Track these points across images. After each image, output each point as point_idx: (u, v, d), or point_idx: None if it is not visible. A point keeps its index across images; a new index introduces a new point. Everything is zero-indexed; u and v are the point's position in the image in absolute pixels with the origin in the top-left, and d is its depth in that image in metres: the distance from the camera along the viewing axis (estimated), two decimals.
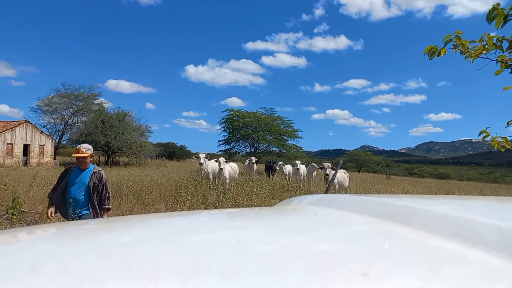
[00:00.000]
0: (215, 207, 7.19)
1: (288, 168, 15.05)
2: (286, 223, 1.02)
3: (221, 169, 10.17)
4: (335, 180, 9.40)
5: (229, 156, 27.26)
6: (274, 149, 27.13)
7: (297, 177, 14.57)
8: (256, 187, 9.73)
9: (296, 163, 14.47)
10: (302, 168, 14.56)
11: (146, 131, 33.49)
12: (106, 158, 31.88)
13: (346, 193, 10.42)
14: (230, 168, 10.87)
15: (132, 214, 6.89)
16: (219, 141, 28.14)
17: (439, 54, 2.37)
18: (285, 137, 27.17)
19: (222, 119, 27.60)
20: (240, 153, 28.72)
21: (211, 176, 11.06)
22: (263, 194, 8.56)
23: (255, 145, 27.06)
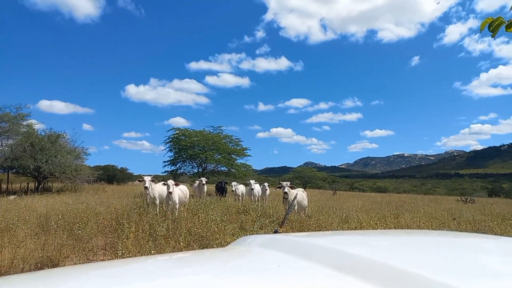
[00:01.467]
0: (166, 240, 6.09)
1: (241, 188, 14.16)
2: (236, 269, 1.02)
3: (170, 193, 9.01)
4: (295, 201, 8.72)
5: (175, 177, 25.80)
6: (222, 168, 26.18)
7: (252, 197, 13.74)
8: (210, 212, 8.75)
9: (250, 183, 13.65)
10: (257, 188, 13.81)
11: (82, 153, 30.77)
12: (36, 184, 28.68)
13: (305, 212, 9.80)
14: (180, 192, 9.75)
15: (61, 253, 5.59)
16: (164, 162, 26.60)
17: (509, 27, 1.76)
18: (233, 156, 26.37)
19: (168, 138, 26.18)
20: (187, 174, 27.33)
21: (158, 202, 9.86)
22: (220, 220, 7.60)
23: (203, 165, 25.90)
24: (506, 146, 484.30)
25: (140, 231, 6.52)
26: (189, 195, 11.48)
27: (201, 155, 24.20)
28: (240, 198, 13.93)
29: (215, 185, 16.37)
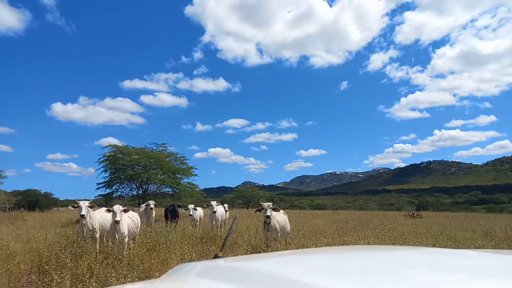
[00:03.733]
0: None
1: (199, 212, 12.03)
2: None
3: (117, 223, 6.79)
4: (277, 226, 7.11)
5: (106, 202, 22.61)
6: (166, 189, 23.63)
7: (214, 222, 11.55)
8: (172, 245, 6.75)
9: (211, 205, 11.61)
10: (220, 211, 11.83)
11: None
12: None
13: (287, 239, 8.16)
14: (130, 221, 7.49)
15: None
16: (98, 183, 23.27)
17: None
18: (178, 176, 23.95)
19: (103, 156, 23.00)
20: (124, 197, 24.20)
21: (98, 234, 7.55)
22: (188, 257, 5.67)
23: (144, 186, 23.15)
24: (425, 163, 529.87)
25: (79, 283, 4.36)
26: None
27: (142, 175, 21.51)
28: (198, 223, 11.84)
29: (164, 209, 13.98)
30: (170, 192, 23.64)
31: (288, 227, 7.95)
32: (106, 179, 22.90)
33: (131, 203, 22.32)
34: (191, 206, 11.70)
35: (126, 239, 6.97)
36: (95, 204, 7.74)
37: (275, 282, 0.96)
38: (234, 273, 1.14)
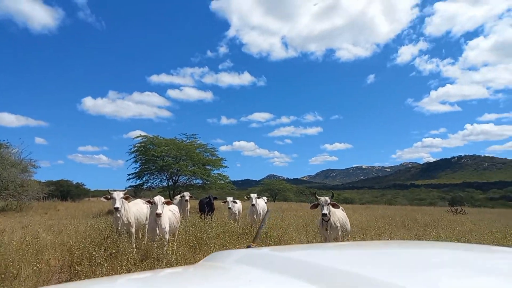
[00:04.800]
0: None
1: (238, 205, 11.21)
2: (205, 286, 0.96)
3: (158, 216, 6.07)
4: (338, 224, 6.20)
5: (135, 193, 22.27)
6: (197, 181, 23.08)
7: (254, 216, 10.55)
8: (211, 240, 5.99)
9: (251, 197, 10.68)
10: (262, 204, 10.92)
11: (29, 166, 26.49)
12: None
13: (348, 238, 7.19)
14: (171, 214, 6.79)
15: None
16: (129, 174, 22.97)
17: None
18: (208, 167, 23.35)
19: (133, 147, 22.67)
20: (154, 188, 23.85)
21: (134, 229, 6.90)
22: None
23: (174, 177, 22.68)
24: (456, 158, 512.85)
25: None
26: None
27: (173, 166, 21.02)
28: (237, 217, 11.06)
29: (198, 201, 13.27)
30: (200, 184, 23.09)
31: (349, 225, 7.02)
32: (137, 170, 22.59)
33: (161, 195, 21.93)
34: (230, 199, 10.92)
35: (167, 236, 6.24)
36: (130, 196, 7.05)
37: (315, 270, 0.95)
38: (269, 260, 1.14)
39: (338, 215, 6.32)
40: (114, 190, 6.75)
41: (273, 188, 60.77)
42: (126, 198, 6.83)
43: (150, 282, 1.05)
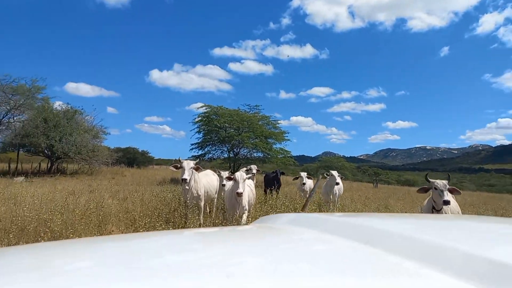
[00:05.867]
0: None
1: (310, 182, 10.31)
2: (262, 243, 1.01)
3: (239, 195, 5.29)
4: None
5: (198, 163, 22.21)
6: (257, 154, 22.48)
7: (332, 197, 9.87)
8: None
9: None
10: (308, 183, 10.09)
11: (100, 132, 27.70)
12: (49, 165, 25.88)
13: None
14: (249, 190, 6.03)
15: None
16: (192, 144, 22.96)
17: None
18: (270, 141, 22.57)
19: (197, 117, 22.47)
20: (215, 159, 23.69)
21: (203, 203, 6.30)
22: None
23: (235, 149, 22.29)
24: None
25: None
26: None
27: (235, 137, 20.53)
28: (307, 194, 10.23)
29: (264, 175, 12.51)
30: (261, 157, 22.48)
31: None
32: (199, 140, 22.50)
33: (222, 167, 21.69)
34: (304, 174, 10.05)
35: (246, 214, 5.54)
36: (200, 166, 6.41)
37: (366, 231, 0.98)
38: (320, 222, 1.17)
39: (452, 203, 5.12)
40: (184, 160, 6.12)
41: (330, 165, 59.00)
42: (196, 169, 6.20)
43: (216, 236, 1.12)
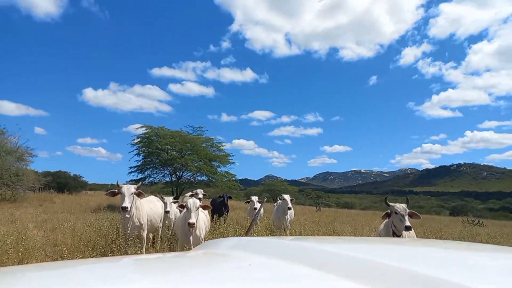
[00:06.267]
0: None
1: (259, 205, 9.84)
2: (204, 270, 0.96)
3: (191, 226, 4.63)
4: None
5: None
6: (201, 178, 21.73)
7: (284, 222, 9.20)
8: None
9: (283, 198, 8.82)
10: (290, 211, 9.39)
11: (26, 154, 25.18)
12: None
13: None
14: (205, 217, 5.42)
15: None
16: (130, 167, 21.56)
17: None
18: (214, 164, 21.98)
19: (136, 138, 21.21)
20: (156, 183, 22.45)
21: (145, 233, 5.55)
22: None
23: (178, 173, 21.36)
24: (455, 165, 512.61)
25: None
26: None
27: (178, 160, 19.66)
28: (258, 221, 9.79)
29: (210, 200, 11.87)
30: (205, 181, 21.77)
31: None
32: (139, 163, 21.25)
33: (164, 191, 20.61)
34: (255, 198, 9.65)
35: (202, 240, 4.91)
36: (142, 192, 5.66)
37: (318, 255, 0.95)
38: (264, 246, 1.13)
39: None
40: (124, 184, 5.42)
41: (274, 188, 59.47)
42: (138, 194, 5.50)
43: (156, 264, 1.04)
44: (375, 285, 0.70)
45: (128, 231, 5.36)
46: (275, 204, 10.47)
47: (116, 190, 5.44)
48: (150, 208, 6.00)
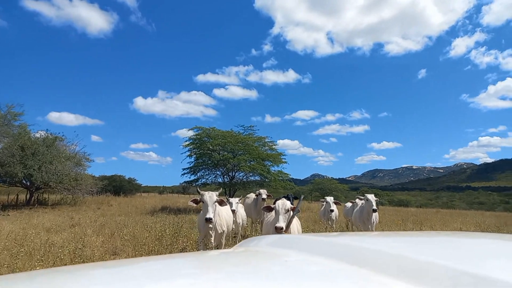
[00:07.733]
0: None
1: (335, 209, 8.91)
2: (245, 267, 0.96)
3: (278, 230, 3.68)
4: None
5: (184, 189, 20.59)
6: (254, 178, 21.00)
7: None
8: None
9: (326, 201, 8.80)
10: (336, 211, 9.00)
11: (84, 160, 25.91)
12: (28, 196, 23.91)
13: None
14: (297, 223, 4.66)
15: None
16: (184, 169, 21.35)
17: None
18: (267, 163, 21.15)
19: (189, 139, 21.01)
20: (209, 184, 22.06)
21: (224, 241, 5.01)
22: None
23: (230, 173, 20.80)
24: None
25: None
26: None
27: (231, 160, 19.08)
28: (330, 223, 8.81)
29: (273, 200, 11.05)
30: (258, 181, 21.00)
31: None
32: (191, 165, 20.95)
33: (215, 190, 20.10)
34: (330, 199, 8.67)
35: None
36: (224, 199, 5.07)
37: (353, 252, 0.95)
38: (304, 243, 1.15)
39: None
40: (205, 190, 4.82)
41: (323, 187, 57.68)
42: (220, 202, 4.89)
43: (202, 261, 1.06)
44: (408, 277, 0.70)
45: (213, 241, 4.75)
46: (322, 203, 9.69)
47: (198, 198, 4.88)
48: (226, 213, 5.41)
